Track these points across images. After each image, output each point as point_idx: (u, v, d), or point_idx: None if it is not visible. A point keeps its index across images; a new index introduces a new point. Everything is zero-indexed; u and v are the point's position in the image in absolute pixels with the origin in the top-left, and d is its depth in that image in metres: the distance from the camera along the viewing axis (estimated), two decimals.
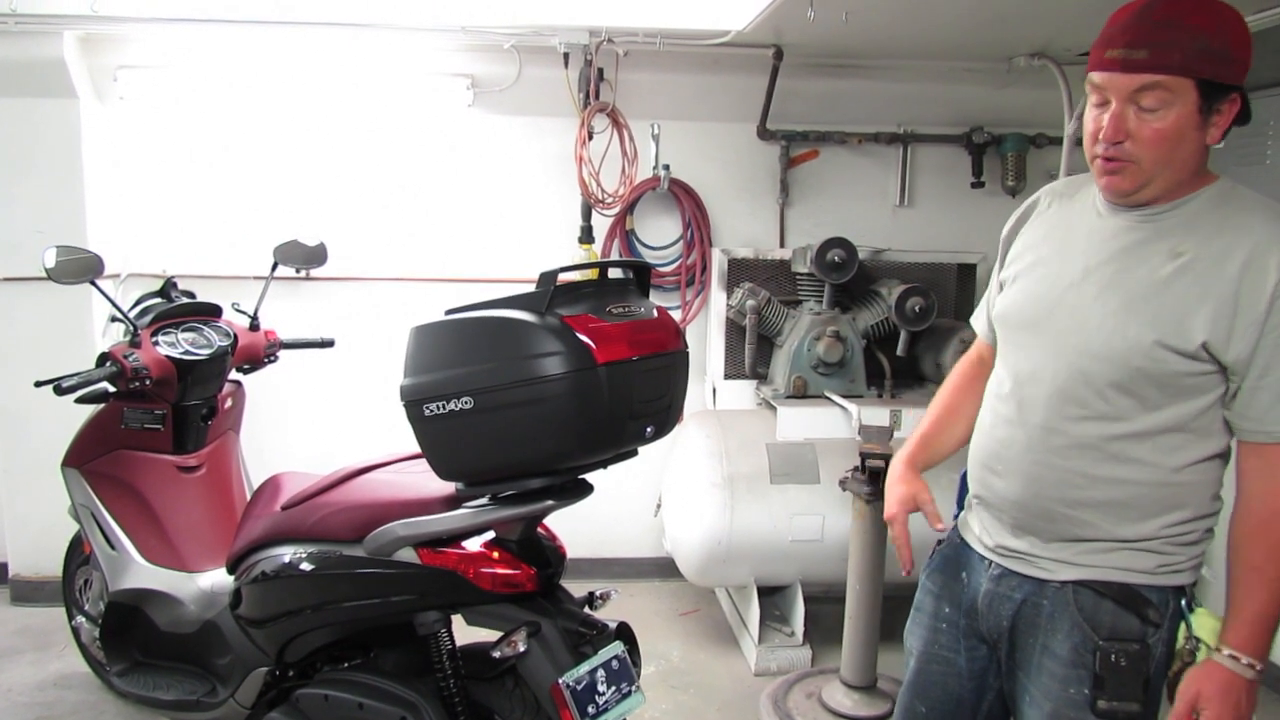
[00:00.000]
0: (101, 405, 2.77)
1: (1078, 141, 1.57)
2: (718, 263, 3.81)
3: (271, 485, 2.39)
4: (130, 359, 2.59)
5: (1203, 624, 1.48)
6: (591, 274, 2.01)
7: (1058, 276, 1.53)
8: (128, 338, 2.70)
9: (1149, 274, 1.43)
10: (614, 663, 1.93)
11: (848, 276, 3.52)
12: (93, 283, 2.64)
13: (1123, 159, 1.40)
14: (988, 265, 3.29)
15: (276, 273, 3.04)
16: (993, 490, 1.60)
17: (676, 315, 3.87)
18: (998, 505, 1.60)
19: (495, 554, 1.94)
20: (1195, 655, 1.46)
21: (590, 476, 1.95)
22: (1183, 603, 1.49)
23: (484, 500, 1.90)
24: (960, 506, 1.84)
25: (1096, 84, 1.41)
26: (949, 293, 3.92)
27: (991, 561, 1.61)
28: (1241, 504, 1.45)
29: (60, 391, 2.49)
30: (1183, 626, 1.49)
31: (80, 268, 2.61)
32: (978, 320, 1.83)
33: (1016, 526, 1.57)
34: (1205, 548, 1.52)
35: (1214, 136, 1.39)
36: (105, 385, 2.64)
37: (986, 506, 1.63)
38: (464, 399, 1.73)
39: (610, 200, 3.65)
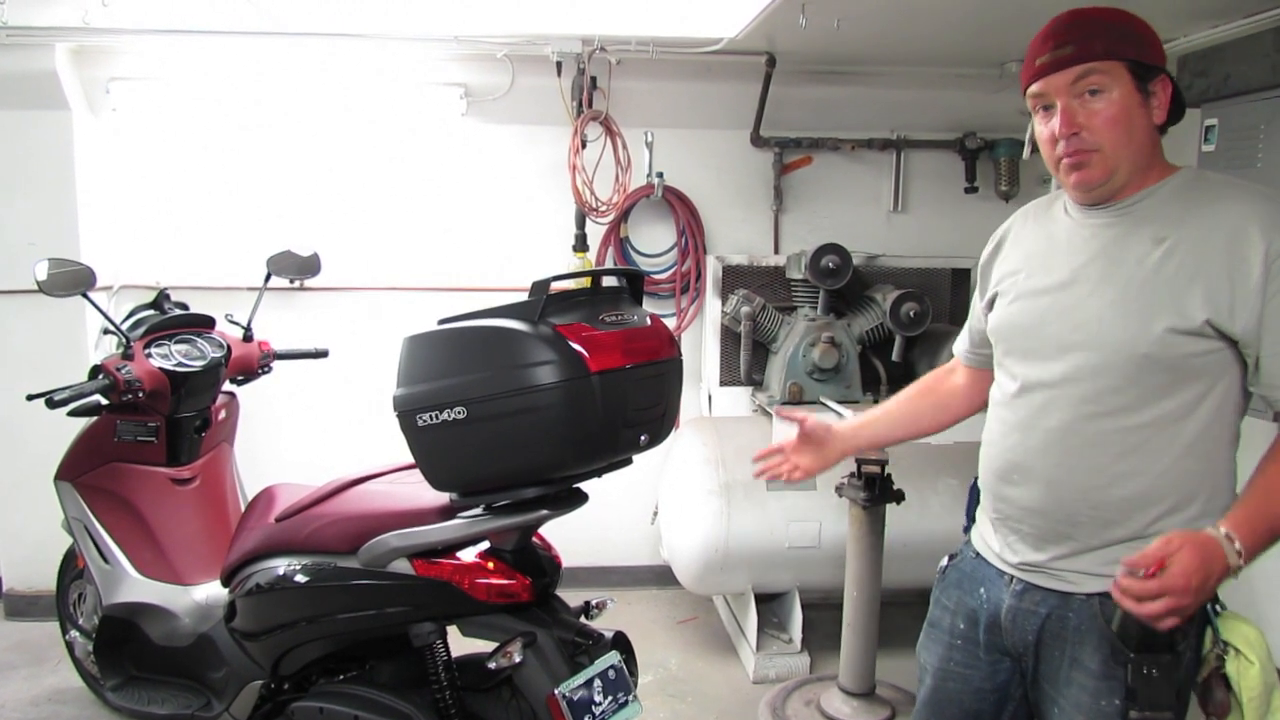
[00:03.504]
0: (94, 418, 2.76)
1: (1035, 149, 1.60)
2: (712, 270, 3.81)
3: (266, 497, 2.38)
4: (123, 371, 2.58)
5: (1230, 627, 1.47)
6: (585, 282, 2.00)
7: (1047, 284, 1.54)
8: (120, 350, 2.69)
9: (1136, 263, 1.45)
10: (610, 672, 1.92)
11: (842, 282, 3.52)
12: (85, 295, 2.63)
13: (1084, 149, 1.45)
14: None
15: (270, 283, 3.03)
16: (1011, 502, 1.58)
17: (671, 323, 3.86)
18: (1017, 518, 1.58)
19: (490, 564, 1.93)
20: (1224, 659, 1.45)
21: (586, 485, 1.94)
22: (1208, 607, 1.47)
23: (478, 510, 1.89)
24: (969, 518, 1.82)
25: (1037, 92, 1.48)
26: (943, 298, 3.92)
27: (1013, 577, 1.59)
28: None
29: (52, 405, 2.48)
30: (1209, 631, 1.47)
31: (72, 280, 2.60)
32: (959, 340, 1.86)
33: (1039, 538, 1.55)
34: None
35: (1159, 116, 1.46)
36: (98, 398, 2.62)
37: (1005, 521, 1.60)
38: (457, 409, 1.73)
39: (604, 208, 3.66)
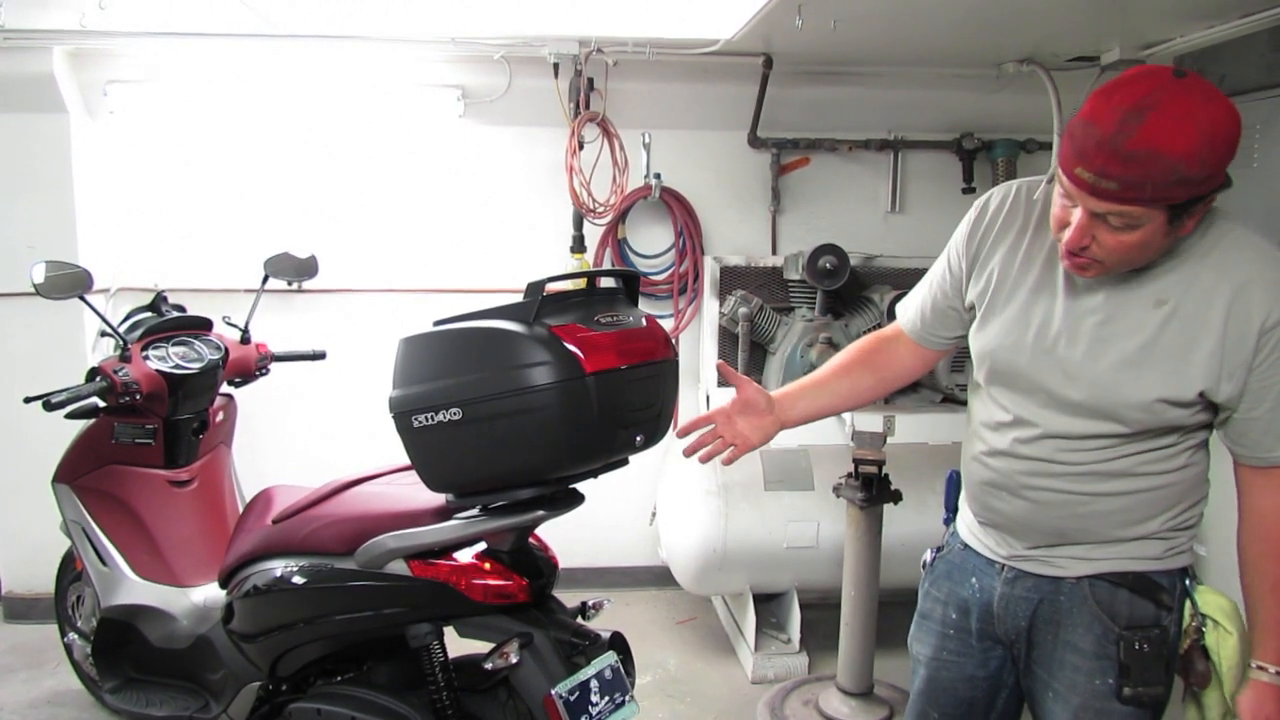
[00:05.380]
0: (92, 420, 2.76)
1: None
2: (710, 270, 3.81)
3: (263, 499, 2.39)
4: (120, 374, 2.58)
5: (1207, 600, 1.54)
6: (580, 283, 2.01)
7: (1042, 324, 1.49)
8: (118, 352, 2.69)
9: (1136, 325, 1.42)
10: (607, 673, 1.93)
11: (840, 283, 3.52)
12: (82, 297, 2.63)
13: (1087, 258, 1.38)
14: None
15: (267, 285, 3.03)
16: (998, 512, 1.61)
17: (669, 324, 3.86)
18: (1005, 525, 1.61)
19: (487, 565, 1.94)
20: (1202, 632, 1.53)
21: (584, 485, 1.95)
22: (1186, 581, 1.55)
23: (474, 511, 1.90)
24: (949, 510, 1.83)
25: (1064, 186, 1.34)
26: None
27: (1005, 565, 1.62)
28: (1253, 521, 1.49)
29: (50, 407, 2.48)
30: (1188, 605, 1.54)
31: (69, 283, 2.60)
32: (906, 309, 1.78)
33: (1027, 541, 1.60)
34: (1199, 528, 1.58)
35: (1186, 228, 1.34)
36: (95, 400, 2.63)
37: (994, 525, 1.64)
38: (453, 410, 1.73)
39: (601, 209, 3.66)
